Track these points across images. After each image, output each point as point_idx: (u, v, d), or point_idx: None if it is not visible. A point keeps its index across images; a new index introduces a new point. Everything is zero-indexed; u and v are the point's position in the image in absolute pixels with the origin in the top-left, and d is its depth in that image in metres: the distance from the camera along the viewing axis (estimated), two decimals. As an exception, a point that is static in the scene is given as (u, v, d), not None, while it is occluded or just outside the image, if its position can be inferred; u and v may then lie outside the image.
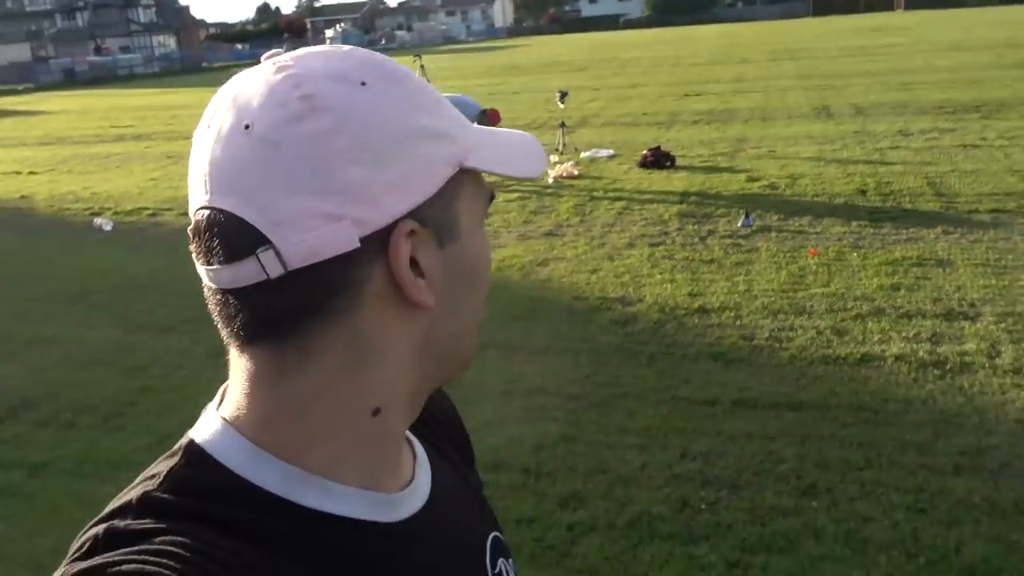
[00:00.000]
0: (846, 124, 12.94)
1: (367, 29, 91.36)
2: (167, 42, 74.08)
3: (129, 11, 78.62)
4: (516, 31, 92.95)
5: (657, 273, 6.49)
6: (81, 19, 78.51)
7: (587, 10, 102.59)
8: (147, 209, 10.16)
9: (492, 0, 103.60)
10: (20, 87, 41.25)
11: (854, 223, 7.46)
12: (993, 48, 24.10)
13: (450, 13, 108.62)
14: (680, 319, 5.54)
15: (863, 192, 8.49)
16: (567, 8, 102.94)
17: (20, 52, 61.30)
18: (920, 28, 39.70)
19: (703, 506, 3.43)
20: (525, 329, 5.53)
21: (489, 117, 10.64)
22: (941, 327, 5.06)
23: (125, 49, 64.34)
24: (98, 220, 9.58)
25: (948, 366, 4.54)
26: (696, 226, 7.75)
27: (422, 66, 13.91)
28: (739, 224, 7.63)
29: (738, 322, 5.41)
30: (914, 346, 4.83)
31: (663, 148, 10.95)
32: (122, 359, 5.54)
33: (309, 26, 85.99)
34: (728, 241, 7.21)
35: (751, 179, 9.48)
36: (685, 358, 4.94)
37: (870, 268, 6.24)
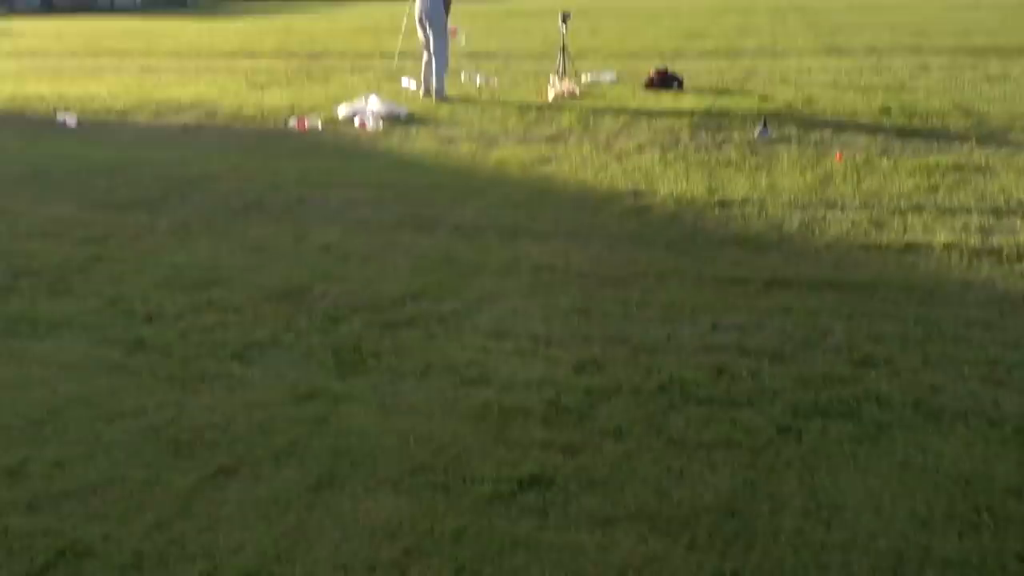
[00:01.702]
0: (860, 60, 12.34)
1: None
2: (152, -20, 71.76)
3: (113, -54, 76.17)
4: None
5: (670, 172, 5.93)
6: (63, -49, 76.03)
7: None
8: (116, 109, 9.45)
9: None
10: (-5, 13, 39.67)
11: (879, 136, 6.92)
12: (1004, 9, 23.51)
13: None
14: (699, 210, 5.00)
15: (887, 111, 7.92)
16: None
17: (-2, -20, 59.04)
18: (924, -8, 38.98)
19: (744, 373, 2.92)
20: (528, 215, 4.98)
21: None
22: (990, 222, 4.56)
23: (108, -17, 62.16)
24: (62, 115, 8.87)
25: (1004, 253, 4.04)
26: (710, 135, 7.18)
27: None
28: (755, 134, 7.07)
29: (763, 213, 4.88)
30: (963, 236, 4.32)
31: (670, 71, 10.34)
32: (75, 231, 4.94)
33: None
34: (746, 148, 6.65)
35: (764, 99, 8.90)
36: (708, 243, 4.41)
37: (903, 171, 5.71)
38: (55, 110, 9.34)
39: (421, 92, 9.71)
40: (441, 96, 9.52)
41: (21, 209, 5.44)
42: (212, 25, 28.89)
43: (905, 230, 4.48)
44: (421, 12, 9.43)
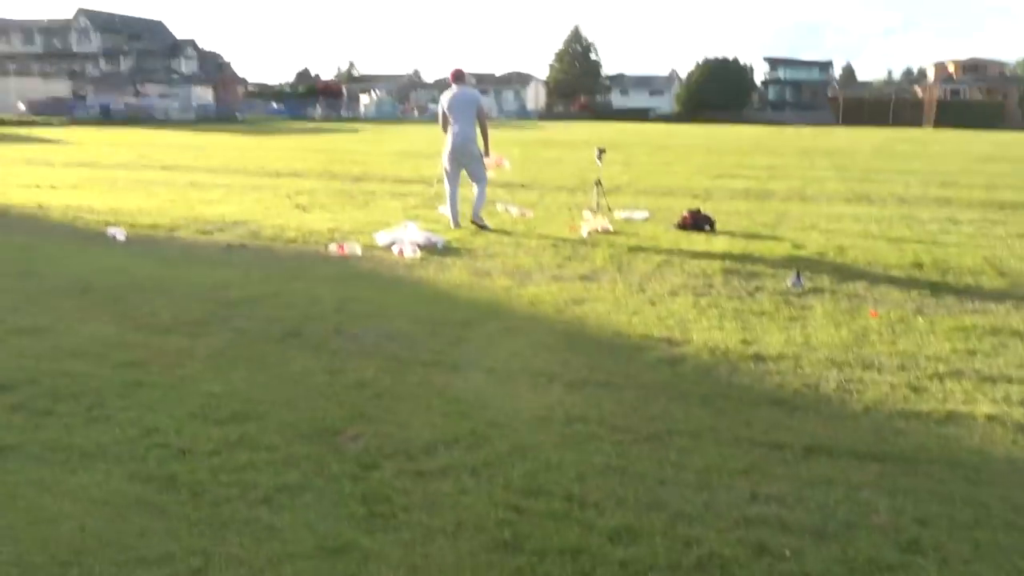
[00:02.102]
0: (890, 209, 12.53)
1: (401, 99, 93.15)
2: (205, 94, 75.55)
3: (172, 61, 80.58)
4: (547, 115, 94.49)
5: (704, 319, 5.96)
6: (124, 64, 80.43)
7: (618, 102, 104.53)
8: (163, 224, 9.77)
9: (527, 83, 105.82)
10: (55, 120, 41.75)
11: (913, 291, 6.94)
12: (1030, 160, 23.93)
13: (484, 92, 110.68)
14: (734, 363, 4.99)
15: (919, 266, 7.98)
16: (599, 98, 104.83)
17: (62, 89, 62.50)
18: (952, 141, 39.88)
19: (786, 552, 2.83)
20: (561, 360, 4.99)
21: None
22: (1033, 394, 4.49)
23: (164, 96, 65.54)
24: (112, 229, 9.18)
25: (1050, 431, 3.95)
26: (742, 282, 7.24)
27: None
28: (788, 283, 7.11)
29: (799, 371, 4.85)
30: (1006, 408, 4.25)
31: (703, 212, 10.54)
32: (116, 353, 5.01)
33: (345, 91, 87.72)
34: (779, 298, 6.69)
35: (796, 246, 9.01)
36: (743, 401, 4.37)
37: (939, 332, 5.69)
38: (106, 223, 9.67)
39: (452, 223, 9.93)
40: (480, 222, 9.75)
41: (64, 326, 5.55)
42: (260, 141, 30.13)
43: (945, 398, 4.42)
44: (457, 144, 9.73)
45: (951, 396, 4.45)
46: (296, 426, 3.94)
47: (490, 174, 10.28)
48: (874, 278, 7.43)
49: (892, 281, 7.32)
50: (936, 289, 7.04)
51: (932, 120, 77.32)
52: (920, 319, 6.05)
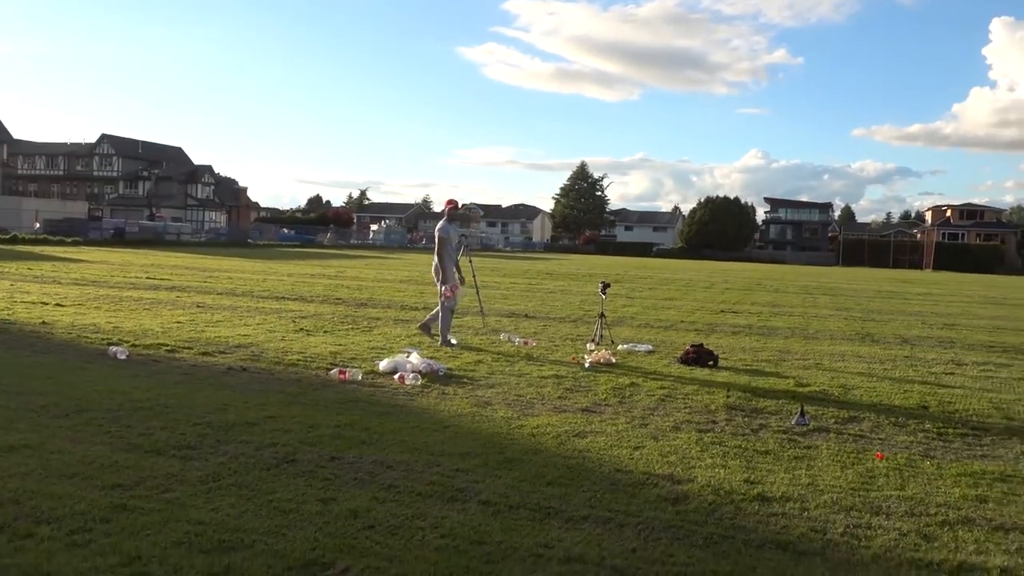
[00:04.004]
0: (893, 349, 12.53)
1: (410, 228, 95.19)
2: (219, 219, 77.26)
3: (189, 186, 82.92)
4: (552, 247, 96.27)
5: (707, 457, 5.85)
6: (142, 188, 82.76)
7: (622, 236, 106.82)
8: (166, 345, 9.78)
9: (533, 216, 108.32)
10: (69, 239, 42.55)
11: (920, 434, 6.83)
12: (1030, 304, 24.10)
13: (491, 224, 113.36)
14: (738, 503, 4.85)
15: (925, 408, 7.90)
16: (603, 232, 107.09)
17: (79, 209, 64.13)
18: (952, 284, 40.30)
19: None
20: (561, 495, 4.86)
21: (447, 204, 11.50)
22: (1047, 545, 4.33)
23: (177, 219, 67.10)
24: (114, 348, 9.18)
25: (1069, 587, 3.79)
26: (746, 419, 7.16)
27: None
28: (793, 422, 7.02)
29: (805, 513, 4.71)
30: (1020, 560, 4.09)
31: (706, 347, 10.54)
32: (104, 475, 4.90)
33: (355, 219, 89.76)
34: (783, 436, 6.58)
35: (800, 384, 8.95)
36: (748, 544, 4.22)
37: (948, 477, 5.56)
38: (108, 342, 9.68)
39: (439, 341, 10.85)
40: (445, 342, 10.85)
41: (56, 446, 5.45)
42: (268, 266, 30.57)
43: (957, 547, 4.27)
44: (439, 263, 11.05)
45: (962, 546, 4.30)
46: (285, 557, 3.80)
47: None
48: (879, 419, 7.33)
49: (898, 423, 7.23)
50: (943, 432, 6.93)
51: (931, 262, 78.49)
52: (928, 463, 5.93)
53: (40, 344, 9.64)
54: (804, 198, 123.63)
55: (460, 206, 11.68)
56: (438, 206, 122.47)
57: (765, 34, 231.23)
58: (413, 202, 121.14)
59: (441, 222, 11.30)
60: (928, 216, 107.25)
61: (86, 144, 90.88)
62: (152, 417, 6.28)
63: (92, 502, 4.43)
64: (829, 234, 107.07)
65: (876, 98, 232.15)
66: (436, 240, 11.14)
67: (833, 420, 7.23)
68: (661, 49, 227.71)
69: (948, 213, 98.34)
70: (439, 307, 11.06)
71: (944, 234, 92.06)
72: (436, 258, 11.02)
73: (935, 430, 6.98)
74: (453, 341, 10.93)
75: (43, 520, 4.16)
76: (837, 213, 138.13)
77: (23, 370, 8.00)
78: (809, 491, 5.13)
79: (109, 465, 5.09)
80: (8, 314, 12.21)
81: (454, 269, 11.08)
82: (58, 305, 13.69)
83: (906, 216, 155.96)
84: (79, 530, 4.06)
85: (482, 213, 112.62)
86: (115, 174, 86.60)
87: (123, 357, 8.85)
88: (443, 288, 10.96)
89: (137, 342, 9.89)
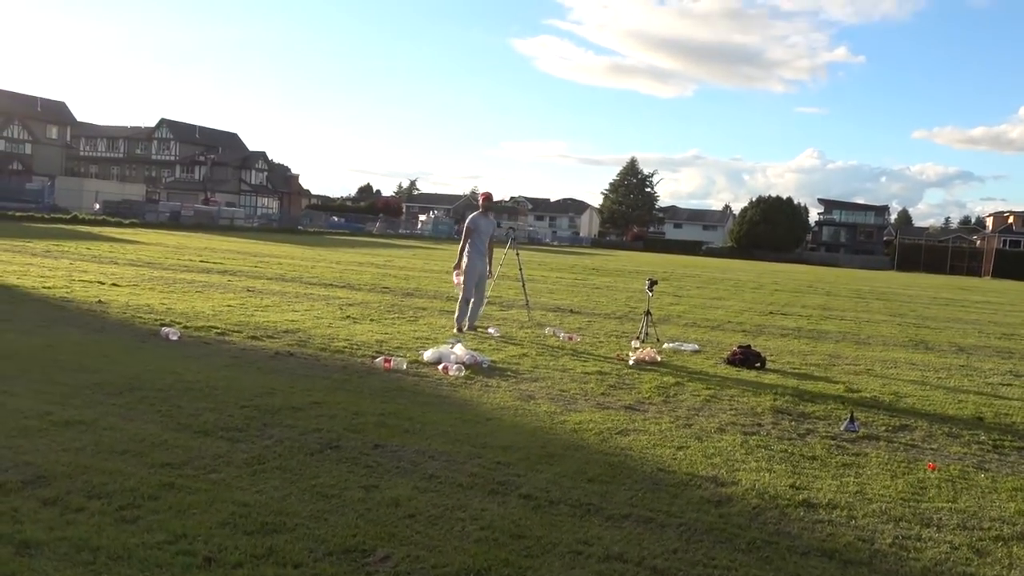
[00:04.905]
0: (948, 358, 12.21)
1: (458, 219, 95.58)
2: (271, 205, 78.43)
3: (243, 172, 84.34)
4: (599, 243, 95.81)
5: (752, 460, 5.76)
6: (198, 173, 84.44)
7: (671, 234, 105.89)
8: (216, 328, 9.95)
9: (581, 211, 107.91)
10: (126, 221, 43.59)
11: (974, 446, 6.64)
12: (1094, 316, 23.30)
13: (539, 217, 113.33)
14: (783, 509, 4.77)
15: (980, 419, 7.68)
16: (651, 229, 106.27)
17: (137, 192, 65.75)
18: (1012, 292, 39.18)
19: None
20: (602, 492, 4.82)
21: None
22: (1107, 566, 4.17)
23: (231, 205, 68.31)
24: (166, 329, 9.37)
25: None
26: (793, 423, 7.03)
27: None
28: (842, 428, 6.88)
29: (853, 522, 4.61)
30: (1079, 581, 3.95)
31: (753, 348, 10.38)
32: (153, 453, 5.00)
33: (404, 209, 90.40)
34: (831, 442, 6.45)
35: (850, 389, 8.77)
36: (792, 550, 4.14)
37: (1003, 491, 5.40)
38: (161, 323, 9.89)
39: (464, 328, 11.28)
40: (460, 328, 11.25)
41: (109, 423, 5.58)
42: (318, 253, 30.96)
43: (1011, 563, 4.14)
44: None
45: (1017, 562, 4.17)
46: (326, 542, 3.84)
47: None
48: (932, 429, 7.15)
49: (951, 433, 7.04)
50: (998, 445, 6.73)
51: (991, 270, 76.36)
52: (982, 475, 5.76)
53: (96, 323, 9.88)
54: (860, 200, 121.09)
55: (493, 199, 12.26)
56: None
57: (826, 31, 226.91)
58: (461, 193, 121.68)
59: (474, 213, 11.80)
60: (989, 222, 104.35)
61: (146, 128, 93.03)
62: (201, 398, 6.39)
63: (141, 479, 4.53)
64: (884, 238, 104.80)
65: (939, 99, 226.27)
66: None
67: (884, 428, 7.07)
68: (717, 45, 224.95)
69: (1010, 219, 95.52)
70: (473, 299, 11.41)
71: (1005, 241, 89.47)
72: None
73: (990, 442, 6.79)
74: (465, 328, 11.24)
75: (94, 495, 4.26)
76: (894, 216, 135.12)
77: (79, 347, 8.20)
78: (857, 499, 5.02)
79: (159, 444, 5.19)
80: (67, 292, 12.54)
81: (465, 258, 11.37)
82: (114, 285, 14.02)
83: (965, 222, 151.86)
84: (128, 506, 4.14)
85: (530, 206, 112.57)
86: (172, 158, 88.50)
87: (175, 338, 9.02)
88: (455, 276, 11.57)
89: (188, 324, 10.09)
